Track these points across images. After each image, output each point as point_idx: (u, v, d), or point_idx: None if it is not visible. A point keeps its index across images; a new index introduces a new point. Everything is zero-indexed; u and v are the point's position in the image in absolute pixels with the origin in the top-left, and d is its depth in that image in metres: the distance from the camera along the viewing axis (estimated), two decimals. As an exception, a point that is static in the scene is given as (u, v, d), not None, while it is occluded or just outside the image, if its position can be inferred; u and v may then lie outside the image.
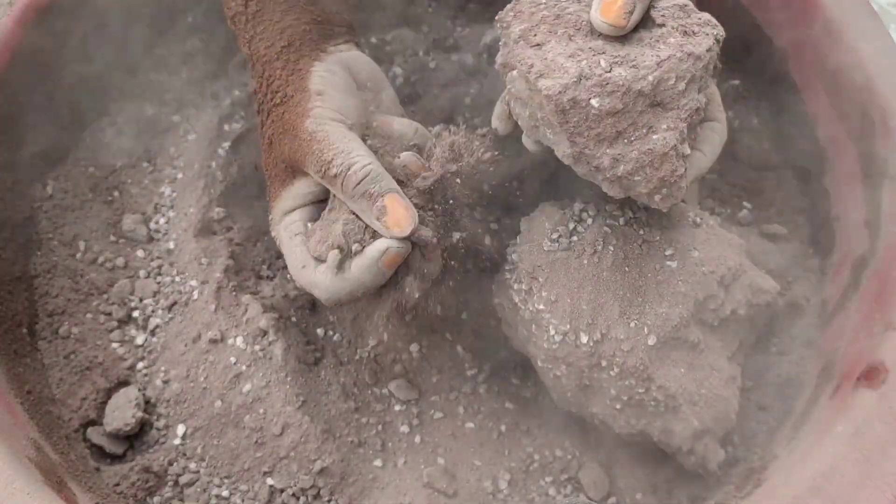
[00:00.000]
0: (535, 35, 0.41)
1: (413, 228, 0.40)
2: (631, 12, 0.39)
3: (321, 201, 0.45)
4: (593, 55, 0.39)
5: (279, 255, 0.54)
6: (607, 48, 0.39)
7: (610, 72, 0.38)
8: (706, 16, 0.41)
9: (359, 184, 0.40)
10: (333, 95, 0.44)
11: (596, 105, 0.38)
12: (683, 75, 0.38)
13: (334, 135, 0.42)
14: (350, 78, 0.46)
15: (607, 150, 0.38)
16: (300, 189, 0.45)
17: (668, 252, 0.44)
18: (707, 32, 0.40)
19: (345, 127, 0.43)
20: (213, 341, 0.49)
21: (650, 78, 0.38)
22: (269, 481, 0.46)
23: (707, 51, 0.39)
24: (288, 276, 0.51)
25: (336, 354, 0.50)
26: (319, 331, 0.51)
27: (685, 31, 0.40)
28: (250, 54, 0.47)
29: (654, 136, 0.38)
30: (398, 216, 0.40)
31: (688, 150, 0.40)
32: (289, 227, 0.45)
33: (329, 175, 0.41)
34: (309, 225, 0.44)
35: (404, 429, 0.49)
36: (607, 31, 0.39)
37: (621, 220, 0.45)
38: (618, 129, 0.38)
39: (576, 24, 0.40)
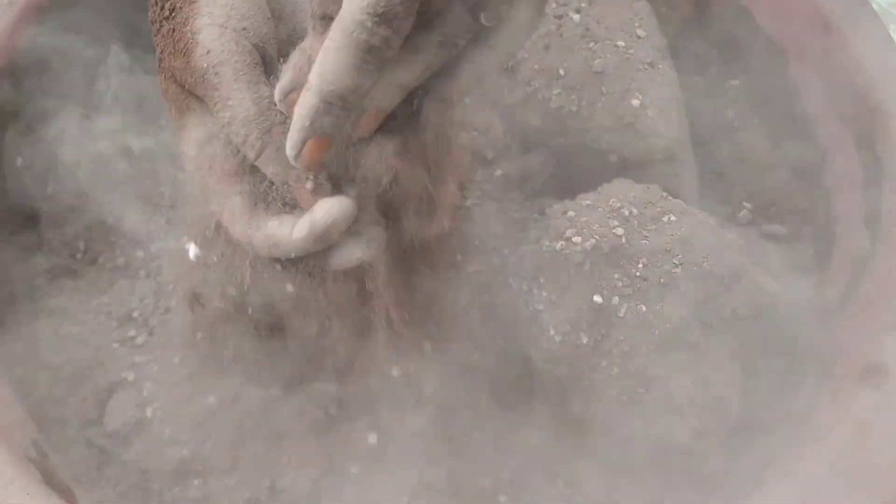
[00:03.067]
0: None
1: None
2: None
3: None
4: None
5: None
6: None
7: None
8: None
9: (257, 158, 0.36)
10: (222, 1, 0.37)
11: None
12: None
13: (226, 78, 0.36)
14: None
15: None
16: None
17: (668, 251, 0.44)
18: None
19: (240, 60, 0.36)
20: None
21: None
22: (269, 482, 0.46)
23: None
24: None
25: (337, 356, 0.50)
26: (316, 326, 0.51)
27: None
28: None
29: None
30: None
31: None
32: (216, 164, 0.38)
33: (229, 134, 0.36)
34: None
35: (403, 429, 0.49)
36: None
37: (623, 220, 0.45)
38: None
39: None
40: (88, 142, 0.59)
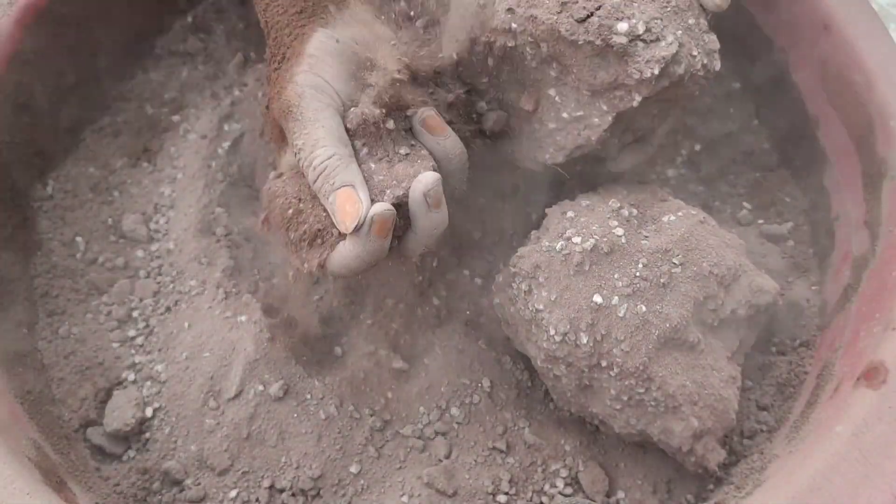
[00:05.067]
0: None
1: (356, 225, 0.39)
2: None
3: None
4: None
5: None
6: None
7: None
8: None
9: (316, 180, 0.40)
10: (325, 60, 0.43)
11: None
12: None
13: (307, 115, 0.41)
14: (351, 46, 0.44)
15: None
16: None
17: (668, 251, 0.44)
18: None
19: (323, 103, 0.42)
20: (214, 341, 0.49)
21: None
22: (268, 482, 0.46)
23: None
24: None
25: (337, 356, 0.50)
26: (315, 329, 0.51)
27: None
28: (266, 22, 0.46)
29: None
30: (343, 213, 0.39)
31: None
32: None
33: (297, 163, 0.42)
34: None
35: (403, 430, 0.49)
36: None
37: (623, 220, 0.45)
38: None
39: None
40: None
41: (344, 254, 0.40)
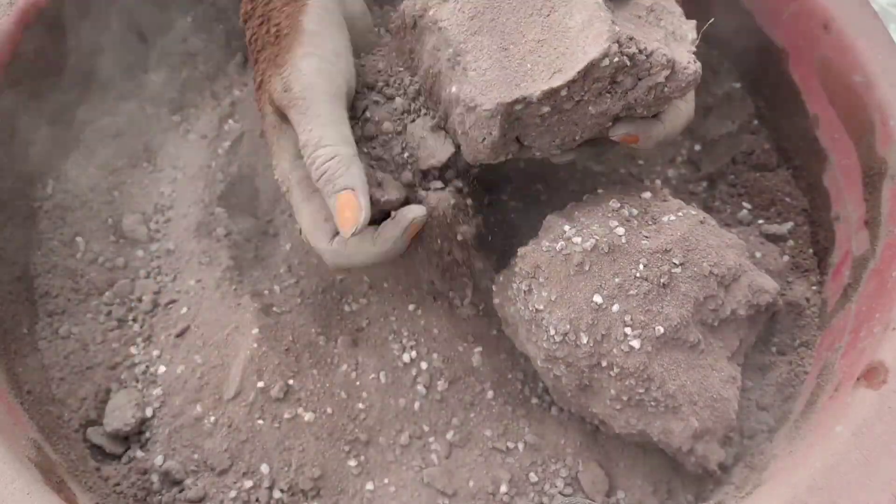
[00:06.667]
0: None
1: (357, 230, 0.40)
2: None
3: None
4: None
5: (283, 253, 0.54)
6: None
7: None
8: None
9: (318, 179, 0.40)
10: (324, 34, 0.43)
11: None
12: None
13: (312, 110, 0.41)
14: (342, 13, 0.45)
15: None
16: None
17: (668, 251, 0.44)
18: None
19: (328, 93, 0.42)
20: (214, 341, 0.49)
21: None
22: (268, 482, 0.46)
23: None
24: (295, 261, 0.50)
25: (334, 355, 0.50)
26: (315, 330, 0.51)
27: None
28: (249, 7, 0.46)
29: None
30: (342, 217, 0.40)
31: None
32: (297, 169, 0.44)
33: (303, 157, 0.41)
34: None
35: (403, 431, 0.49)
36: None
37: (622, 220, 0.45)
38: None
39: None
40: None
41: (355, 251, 0.41)
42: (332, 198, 0.40)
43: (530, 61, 0.40)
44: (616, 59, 0.38)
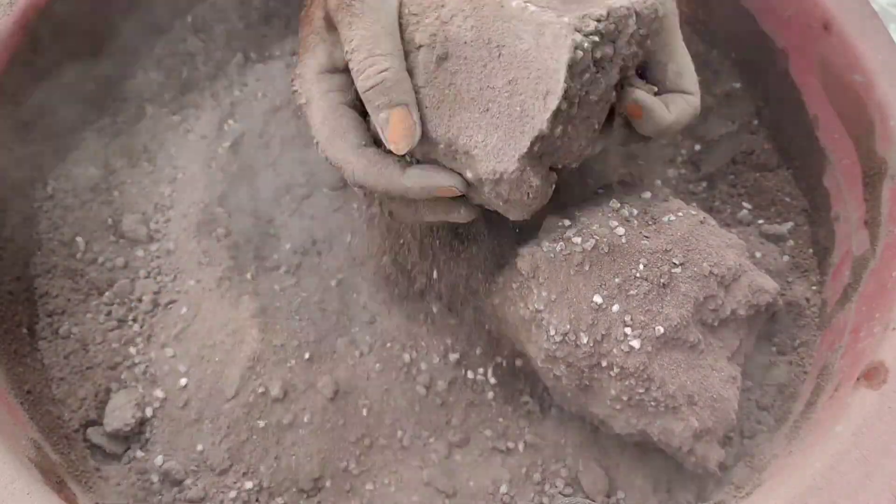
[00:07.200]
0: None
1: (410, 148, 0.38)
2: None
3: None
4: None
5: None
6: None
7: None
8: None
9: (367, 90, 0.39)
10: None
11: None
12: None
13: (370, 13, 0.39)
14: None
15: None
16: (341, 52, 0.41)
17: (668, 251, 0.44)
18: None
19: (386, 7, 0.40)
20: (214, 341, 0.49)
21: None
22: (267, 482, 0.46)
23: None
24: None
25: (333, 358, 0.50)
26: (314, 330, 0.51)
27: None
28: None
29: None
30: (397, 133, 0.38)
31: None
32: (322, 82, 0.42)
33: (349, 67, 0.40)
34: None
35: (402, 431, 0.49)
36: None
37: (622, 220, 0.45)
38: None
39: None
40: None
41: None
42: (384, 111, 0.39)
43: (517, 103, 0.38)
44: (586, 45, 0.37)
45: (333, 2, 0.40)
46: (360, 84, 0.39)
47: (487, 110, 0.39)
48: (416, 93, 0.40)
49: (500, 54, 0.38)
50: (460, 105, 0.39)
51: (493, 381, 0.50)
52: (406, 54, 0.40)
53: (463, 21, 0.39)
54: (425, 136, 0.40)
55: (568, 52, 0.36)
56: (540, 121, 0.38)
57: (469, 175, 0.40)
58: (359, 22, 0.39)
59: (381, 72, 0.38)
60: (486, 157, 0.39)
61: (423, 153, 0.41)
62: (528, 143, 0.38)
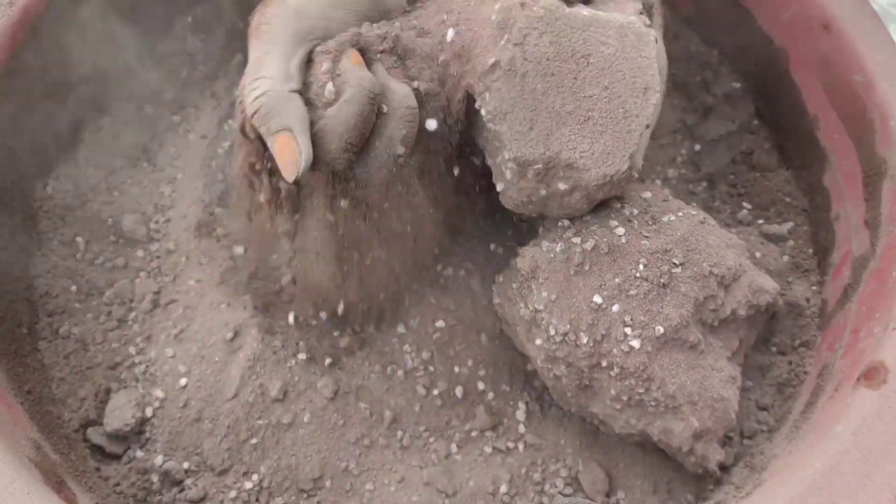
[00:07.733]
0: None
1: (298, 176, 0.38)
2: None
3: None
4: None
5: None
6: None
7: None
8: None
9: (253, 115, 0.38)
10: None
11: None
12: None
13: (269, 36, 0.39)
14: None
15: None
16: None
17: (669, 251, 0.44)
18: None
19: (292, 29, 0.39)
20: (214, 341, 0.49)
21: None
22: (267, 482, 0.46)
23: None
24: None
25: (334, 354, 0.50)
26: (314, 330, 0.51)
27: None
28: None
29: None
30: (282, 160, 0.38)
31: None
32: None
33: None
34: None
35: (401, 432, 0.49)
36: None
37: (623, 220, 0.45)
38: None
39: None
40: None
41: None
42: (269, 139, 0.38)
43: (618, 105, 0.40)
44: (653, 36, 0.40)
45: (252, 24, 0.40)
46: (247, 109, 0.39)
47: (588, 119, 0.40)
48: (503, 119, 0.40)
49: (588, 63, 0.40)
50: (558, 121, 0.40)
51: (492, 380, 0.50)
52: (469, 85, 0.40)
53: (539, 38, 0.39)
54: (522, 160, 0.40)
55: (653, 47, 0.39)
56: (644, 116, 0.40)
57: (562, 186, 0.41)
58: (255, 43, 0.39)
59: (259, 97, 0.38)
60: (593, 164, 0.40)
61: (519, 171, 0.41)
62: (637, 139, 0.40)
